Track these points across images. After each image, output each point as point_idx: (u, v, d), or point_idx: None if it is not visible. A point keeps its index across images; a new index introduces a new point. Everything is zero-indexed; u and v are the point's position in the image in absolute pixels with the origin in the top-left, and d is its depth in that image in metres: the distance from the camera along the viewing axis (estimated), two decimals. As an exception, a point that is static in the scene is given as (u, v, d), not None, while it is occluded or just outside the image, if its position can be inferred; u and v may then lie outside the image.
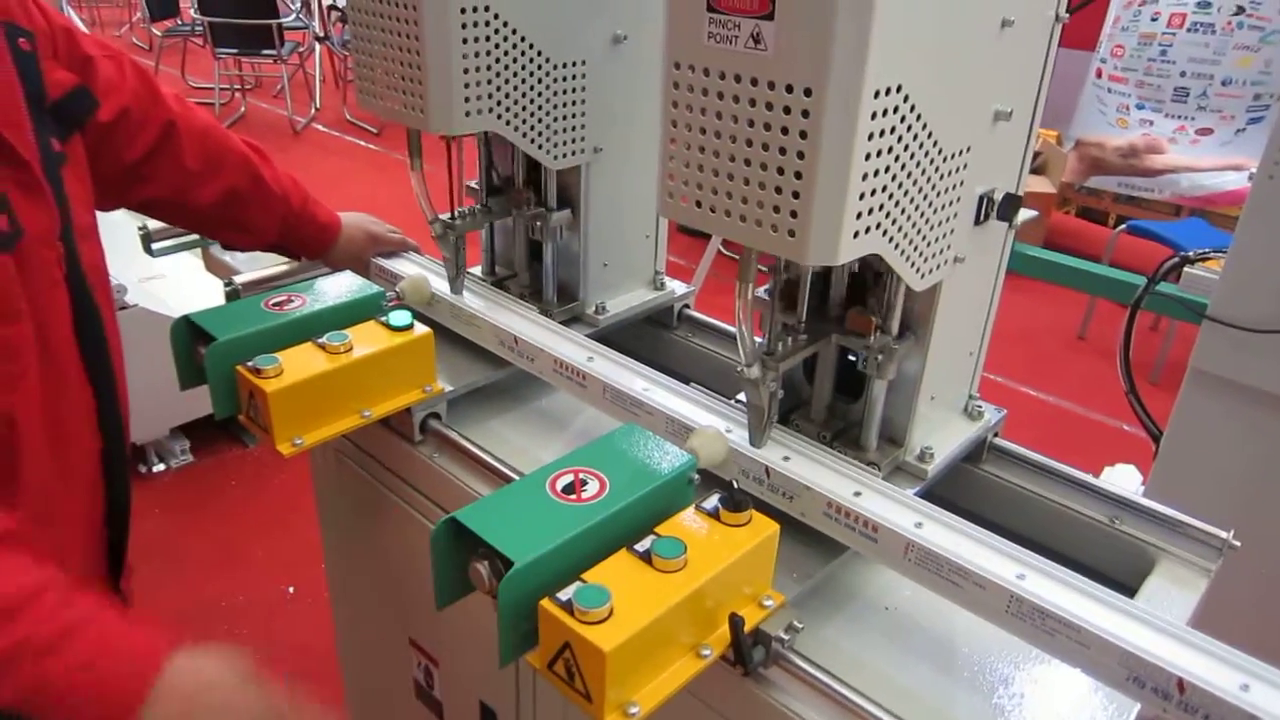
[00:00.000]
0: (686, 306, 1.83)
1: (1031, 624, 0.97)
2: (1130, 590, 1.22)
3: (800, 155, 0.92)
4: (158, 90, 1.46)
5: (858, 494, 1.12)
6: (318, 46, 9.19)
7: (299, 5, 9.63)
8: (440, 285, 1.61)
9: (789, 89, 0.91)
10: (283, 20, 7.99)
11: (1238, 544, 1.20)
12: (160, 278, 3.59)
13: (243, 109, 8.97)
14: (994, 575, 0.99)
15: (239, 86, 9.28)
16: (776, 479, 1.17)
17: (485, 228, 1.77)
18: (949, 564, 1.02)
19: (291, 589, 3.12)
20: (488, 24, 1.35)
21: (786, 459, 1.18)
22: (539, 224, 1.64)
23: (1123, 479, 2.36)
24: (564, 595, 0.91)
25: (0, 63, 1.11)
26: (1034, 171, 1.35)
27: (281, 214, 1.62)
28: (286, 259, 1.77)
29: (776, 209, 0.96)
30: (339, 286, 1.49)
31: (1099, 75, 6.35)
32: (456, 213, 1.60)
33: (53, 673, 0.93)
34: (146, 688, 0.96)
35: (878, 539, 1.08)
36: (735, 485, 1.04)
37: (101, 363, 1.24)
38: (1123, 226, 5.50)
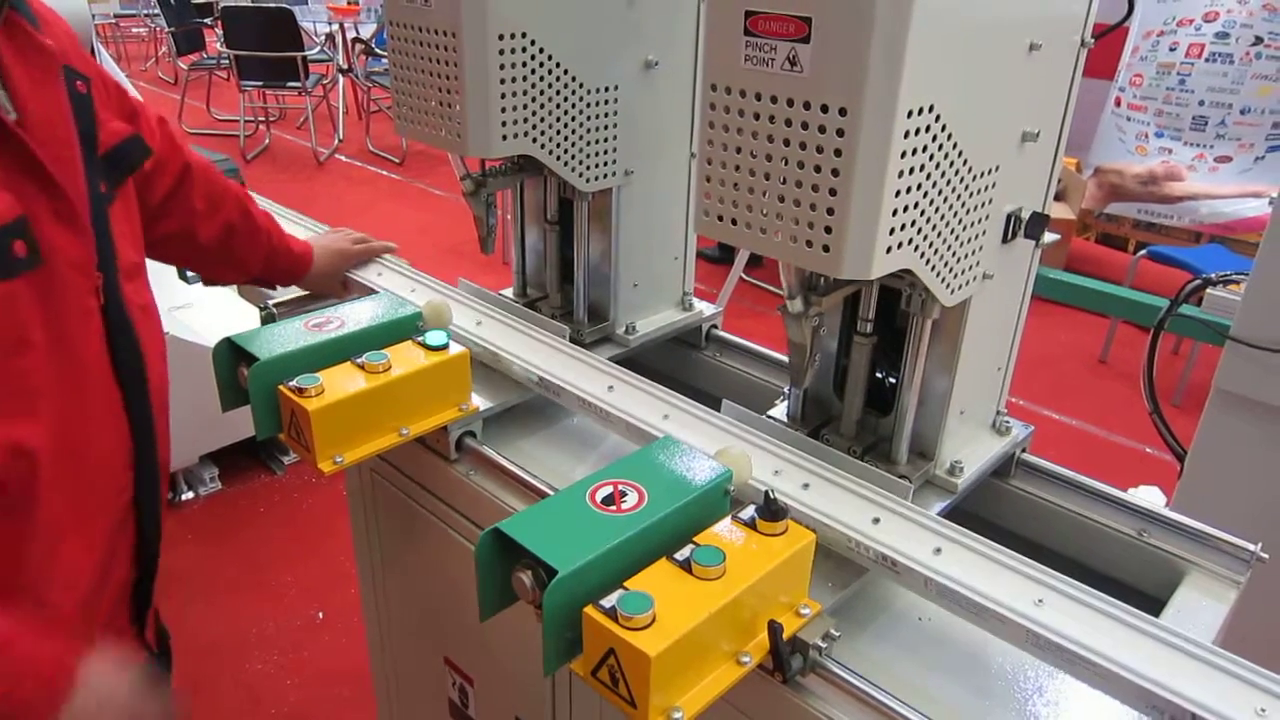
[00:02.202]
0: (714, 326, 1.86)
1: (1051, 654, 0.98)
2: (1159, 602, 1.23)
3: (835, 173, 0.95)
4: (173, 136, 1.52)
5: (876, 520, 1.12)
6: (341, 79, 9.33)
7: (323, 38, 9.78)
8: (462, 317, 1.63)
9: (824, 109, 0.94)
10: (307, 53, 8.11)
11: (1266, 555, 1.22)
12: (189, 306, 3.64)
13: (267, 140, 9.10)
14: (1010, 610, 0.99)
15: (264, 119, 9.41)
16: (795, 514, 1.15)
17: (516, 248, 1.81)
18: (966, 600, 1.03)
19: (321, 614, 3.14)
20: (524, 50, 1.39)
21: (806, 486, 1.19)
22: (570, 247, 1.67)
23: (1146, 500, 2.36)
24: (607, 602, 0.93)
25: (56, 99, 1.15)
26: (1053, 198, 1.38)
27: (265, 246, 1.69)
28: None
29: (811, 225, 0.99)
30: (376, 307, 1.53)
31: (1118, 104, 6.39)
32: (488, 169, 1.63)
33: None
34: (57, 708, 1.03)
35: (898, 573, 1.09)
36: (771, 495, 1.06)
37: (140, 401, 1.24)
38: (1143, 252, 5.51)
